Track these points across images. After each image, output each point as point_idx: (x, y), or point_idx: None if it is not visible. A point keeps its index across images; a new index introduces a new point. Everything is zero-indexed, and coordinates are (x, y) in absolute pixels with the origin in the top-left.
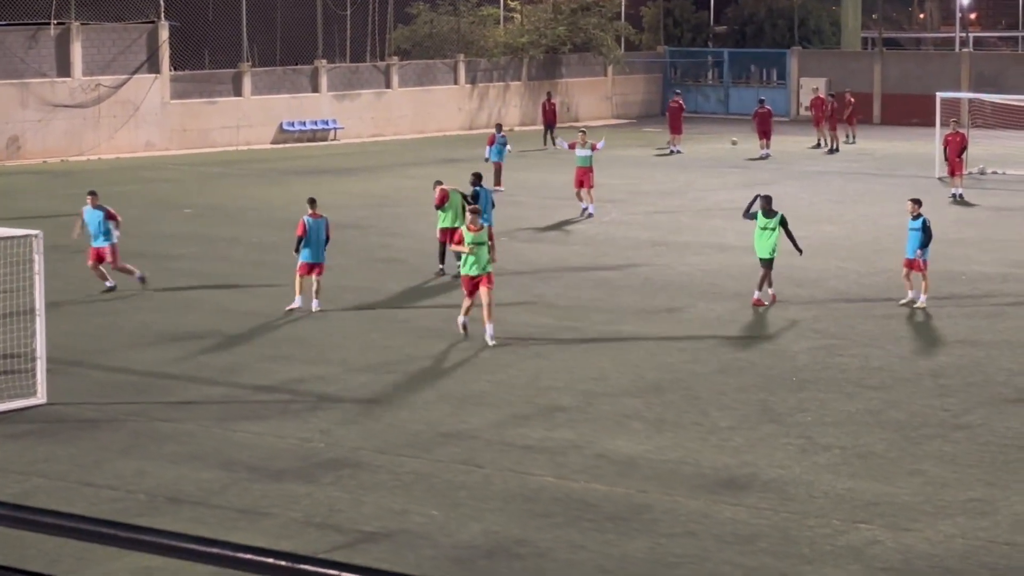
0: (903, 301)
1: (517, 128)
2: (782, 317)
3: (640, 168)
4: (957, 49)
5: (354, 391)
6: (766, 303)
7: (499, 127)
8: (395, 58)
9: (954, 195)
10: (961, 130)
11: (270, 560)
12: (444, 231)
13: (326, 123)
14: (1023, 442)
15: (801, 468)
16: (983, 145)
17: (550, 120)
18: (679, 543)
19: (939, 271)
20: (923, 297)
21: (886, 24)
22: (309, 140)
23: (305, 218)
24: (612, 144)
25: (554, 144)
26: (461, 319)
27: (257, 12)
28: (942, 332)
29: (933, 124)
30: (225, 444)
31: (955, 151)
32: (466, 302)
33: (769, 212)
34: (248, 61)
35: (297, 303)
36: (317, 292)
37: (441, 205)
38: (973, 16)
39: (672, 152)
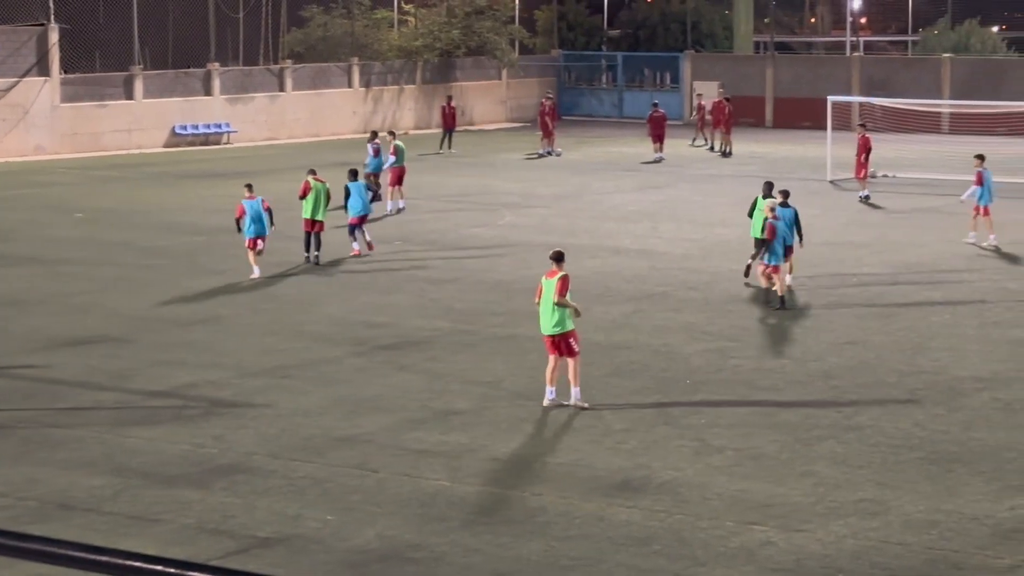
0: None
1: (412, 132)
2: (676, 320)
3: (534, 171)
4: (848, 53)
5: (248, 396)
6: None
7: (374, 134)
8: (288, 61)
9: (861, 197)
10: (867, 133)
11: (159, 568)
12: (306, 221)
13: (219, 126)
14: (913, 442)
15: (695, 470)
16: (874, 149)
17: (449, 124)
18: (574, 545)
19: (831, 273)
20: (790, 277)
21: (778, 28)
22: (202, 144)
23: (243, 201)
24: (509, 147)
25: (449, 148)
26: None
27: (149, 15)
28: (833, 334)
29: (824, 127)
30: (117, 450)
31: (861, 153)
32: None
33: (769, 196)
34: (140, 64)
35: (256, 273)
36: (255, 259)
37: (304, 196)
38: (863, 20)
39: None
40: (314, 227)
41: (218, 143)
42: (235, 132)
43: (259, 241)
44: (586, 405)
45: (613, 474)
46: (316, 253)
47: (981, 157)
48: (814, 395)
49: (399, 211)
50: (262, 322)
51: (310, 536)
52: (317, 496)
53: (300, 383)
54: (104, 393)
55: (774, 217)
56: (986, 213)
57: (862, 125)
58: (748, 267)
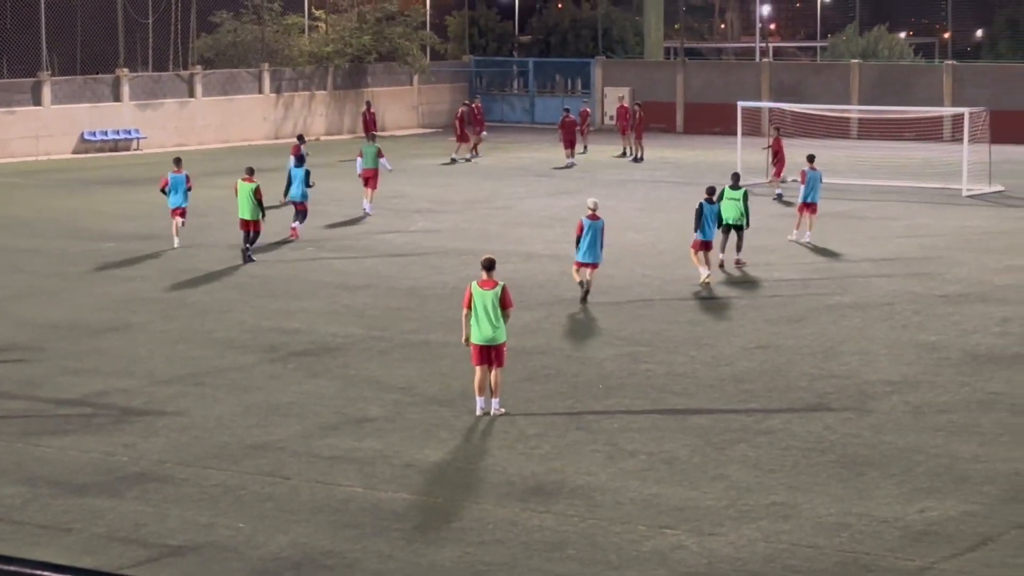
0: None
1: (324, 138)
2: (588, 325)
3: (446, 177)
4: (757, 59)
5: (159, 404)
6: (746, 263)
7: (300, 138)
8: (198, 67)
9: (777, 195)
10: (781, 137)
11: None
12: (241, 221)
13: (128, 133)
14: (824, 446)
15: (608, 475)
16: (784, 154)
17: (370, 129)
18: (488, 551)
19: (738, 278)
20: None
21: (688, 34)
22: (111, 150)
23: (169, 174)
24: (422, 153)
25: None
26: None
27: (57, 20)
28: (744, 338)
29: (735, 133)
30: (26, 459)
31: (774, 155)
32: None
33: (736, 187)
34: (48, 70)
35: (176, 244)
36: (177, 230)
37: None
38: (772, 27)
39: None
40: (249, 226)
41: (127, 149)
42: (145, 138)
43: (179, 211)
44: (503, 411)
45: (527, 479)
46: (246, 246)
47: (811, 158)
48: (726, 399)
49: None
50: (174, 329)
51: (223, 544)
52: (230, 504)
53: (212, 390)
54: (13, 402)
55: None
56: (812, 211)
57: (776, 129)
58: (738, 260)
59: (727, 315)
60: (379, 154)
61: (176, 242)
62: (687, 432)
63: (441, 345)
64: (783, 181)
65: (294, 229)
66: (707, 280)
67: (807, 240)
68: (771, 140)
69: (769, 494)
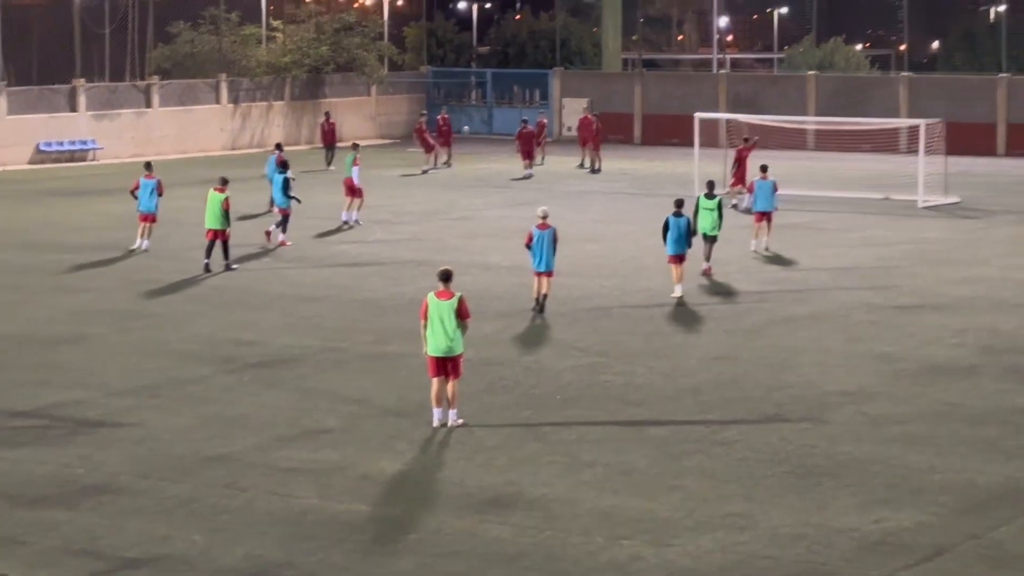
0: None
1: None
2: (546, 336)
3: (404, 187)
4: (715, 70)
5: (115, 415)
6: (712, 271)
7: (279, 145)
8: (155, 77)
9: (733, 205)
10: (751, 147)
11: None
12: (208, 231)
13: (85, 143)
14: (781, 456)
15: (565, 486)
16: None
17: (329, 140)
18: (445, 563)
19: (697, 290)
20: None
21: (646, 46)
22: (68, 161)
23: (140, 178)
24: (379, 163)
25: (329, 165)
26: None
27: (13, 30)
28: (702, 349)
29: (692, 144)
30: None
31: (742, 164)
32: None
33: (711, 195)
34: (3, 80)
35: (137, 244)
36: (143, 234)
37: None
38: (730, 38)
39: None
40: (215, 236)
41: (84, 160)
42: (101, 149)
43: (149, 217)
44: (461, 422)
45: (484, 491)
46: (225, 261)
47: (764, 168)
48: (683, 410)
49: (346, 224)
50: (129, 341)
51: (178, 556)
52: (185, 516)
53: (168, 402)
54: None
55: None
56: (767, 220)
57: (746, 139)
58: (706, 269)
59: (685, 326)
60: (353, 162)
61: (139, 244)
62: (644, 443)
63: (398, 356)
64: (740, 192)
65: (273, 237)
66: (676, 296)
67: (763, 248)
68: (740, 147)
69: (726, 505)
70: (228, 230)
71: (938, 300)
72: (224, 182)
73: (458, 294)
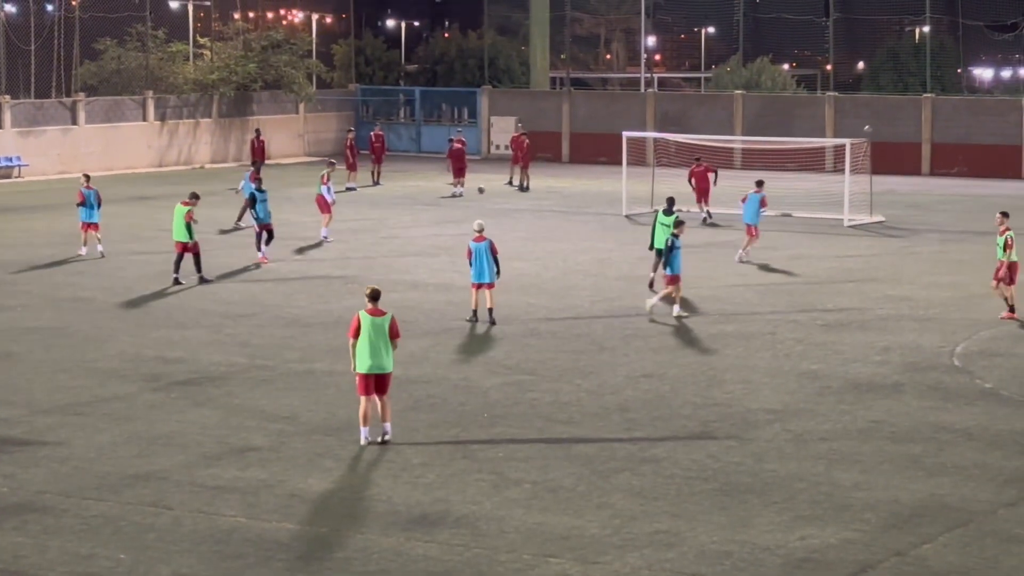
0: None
1: (208, 165)
2: (473, 353)
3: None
4: (643, 89)
5: (39, 433)
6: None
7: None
8: (82, 94)
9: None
10: (703, 165)
11: None
12: (176, 243)
13: (10, 160)
14: (707, 474)
15: (492, 503)
16: (668, 183)
17: (259, 157)
18: None
19: (624, 307)
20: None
21: (574, 64)
22: None
23: (81, 188)
24: (309, 181)
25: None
26: None
27: None
28: (629, 367)
29: (620, 162)
30: None
31: (704, 181)
32: None
33: (669, 212)
34: None
35: (82, 251)
36: (86, 241)
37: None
38: (657, 58)
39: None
40: (184, 249)
41: (9, 177)
42: (26, 166)
43: (92, 227)
44: (388, 437)
45: (411, 508)
46: (198, 274)
47: (759, 183)
48: (610, 428)
49: (325, 239)
50: (54, 358)
51: None
52: (110, 535)
53: (93, 420)
54: None
55: (675, 235)
56: (749, 232)
57: (697, 159)
58: (652, 280)
59: (612, 344)
60: (322, 180)
61: (83, 251)
62: (572, 461)
63: (326, 374)
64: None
65: (262, 256)
66: (676, 315)
67: (742, 256)
68: (692, 166)
69: (653, 522)
70: (194, 242)
71: (863, 318)
72: (194, 197)
73: (390, 313)
